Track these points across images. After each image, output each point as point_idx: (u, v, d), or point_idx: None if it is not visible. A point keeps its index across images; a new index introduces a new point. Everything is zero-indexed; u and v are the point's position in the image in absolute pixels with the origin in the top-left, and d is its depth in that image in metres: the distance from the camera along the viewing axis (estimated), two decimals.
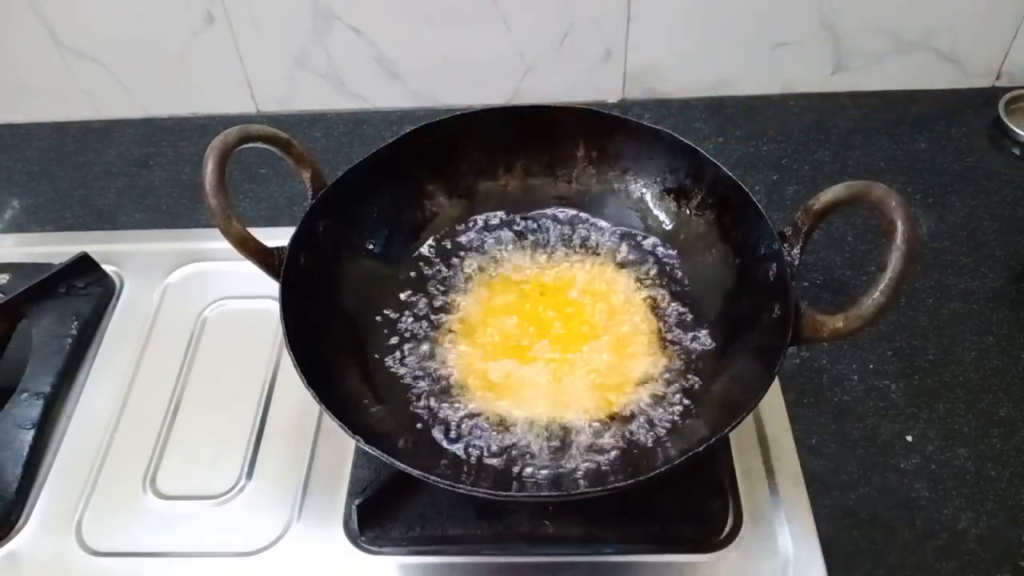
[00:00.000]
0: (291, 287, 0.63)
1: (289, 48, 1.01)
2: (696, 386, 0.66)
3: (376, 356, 0.69)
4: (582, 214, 0.77)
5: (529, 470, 0.61)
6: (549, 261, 0.74)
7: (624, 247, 0.75)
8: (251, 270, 0.64)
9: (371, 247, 0.73)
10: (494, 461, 0.62)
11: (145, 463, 0.71)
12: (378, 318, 0.71)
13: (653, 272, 0.73)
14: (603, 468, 0.61)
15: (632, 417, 0.64)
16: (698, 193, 0.72)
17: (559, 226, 0.76)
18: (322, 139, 1.04)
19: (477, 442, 0.63)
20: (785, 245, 0.61)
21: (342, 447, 0.70)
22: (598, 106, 0.87)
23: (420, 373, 0.68)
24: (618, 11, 0.96)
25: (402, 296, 0.73)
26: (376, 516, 0.65)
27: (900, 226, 0.52)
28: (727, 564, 0.62)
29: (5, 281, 0.81)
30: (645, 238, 0.75)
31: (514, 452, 0.62)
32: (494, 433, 0.63)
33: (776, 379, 0.57)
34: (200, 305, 0.82)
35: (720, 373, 0.66)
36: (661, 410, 0.65)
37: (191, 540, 0.66)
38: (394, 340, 0.70)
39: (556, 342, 0.68)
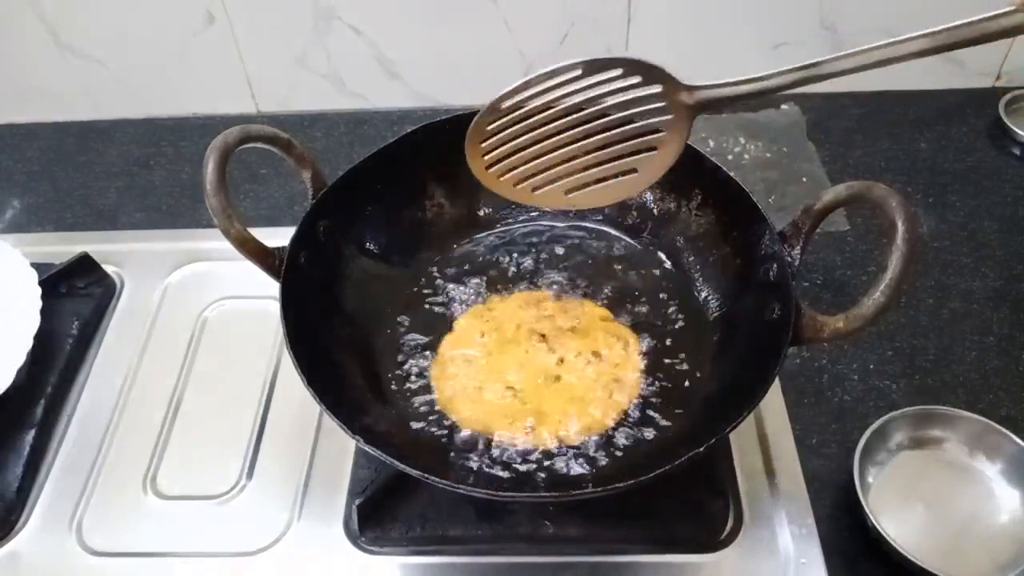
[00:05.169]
0: (291, 287, 0.63)
1: (289, 48, 1.01)
2: (696, 386, 0.66)
3: (376, 356, 0.69)
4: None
5: (529, 470, 0.62)
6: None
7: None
8: (251, 270, 0.64)
9: (371, 247, 0.73)
10: (494, 461, 0.62)
11: (145, 463, 0.71)
12: (378, 318, 0.71)
13: (654, 271, 0.74)
14: (603, 469, 0.62)
15: (632, 418, 0.64)
16: (698, 193, 0.72)
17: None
18: (322, 139, 1.04)
19: (477, 442, 0.63)
20: (785, 245, 0.61)
21: (342, 447, 0.70)
22: None
23: (420, 373, 0.68)
24: (618, 11, 0.96)
25: (404, 297, 0.73)
26: (376, 516, 0.65)
27: (900, 226, 0.52)
28: (727, 564, 0.62)
29: None
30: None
31: (515, 453, 0.63)
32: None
33: (776, 379, 0.57)
34: (200, 305, 0.82)
35: (720, 373, 0.66)
36: (661, 411, 0.65)
37: (191, 540, 0.66)
38: (395, 340, 0.70)
39: (553, 343, 0.69)
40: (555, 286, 0.73)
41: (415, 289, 0.74)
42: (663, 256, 0.75)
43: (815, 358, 0.77)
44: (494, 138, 0.57)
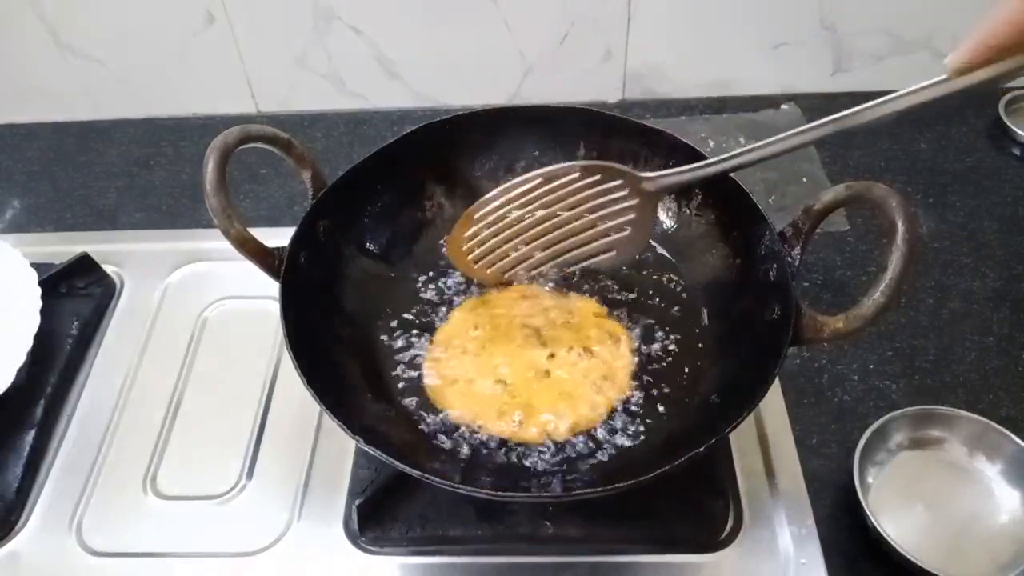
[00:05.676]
0: (291, 287, 0.63)
1: (289, 48, 1.01)
2: (692, 386, 0.66)
3: (376, 355, 0.69)
4: None
5: (529, 470, 0.62)
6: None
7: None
8: (251, 270, 0.64)
9: (371, 247, 0.73)
10: (494, 462, 0.62)
11: (145, 463, 0.71)
12: (378, 318, 0.71)
13: (651, 272, 0.74)
14: (603, 468, 0.62)
15: (631, 418, 0.64)
16: (698, 193, 0.72)
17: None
18: (322, 139, 1.04)
19: (477, 442, 0.63)
20: (785, 245, 0.61)
21: (342, 447, 0.70)
22: (598, 106, 0.87)
23: (418, 369, 0.68)
24: (618, 11, 0.96)
25: (403, 296, 0.73)
26: (376, 516, 0.65)
27: (900, 226, 0.52)
28: (727, 564, 0.63)
29: None
30: None
31: (514, 453, 0.63)
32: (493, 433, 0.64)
33: (776, 379, 0.57)
34: (200, 305, 0.82)
35: (720, 373, 0.66)
36: (653, 409, 0.65)
37: (191, 540, 0.66)
38: (394, 339, 0.70)
39: (546, 337, 0.69)
40: (552, 280, 0.73)
41: (415, 289, 0.73)
42: (662, 255, 0.75)
43: (815, 358, 0.77)
44: (474, 240, 0.63)
